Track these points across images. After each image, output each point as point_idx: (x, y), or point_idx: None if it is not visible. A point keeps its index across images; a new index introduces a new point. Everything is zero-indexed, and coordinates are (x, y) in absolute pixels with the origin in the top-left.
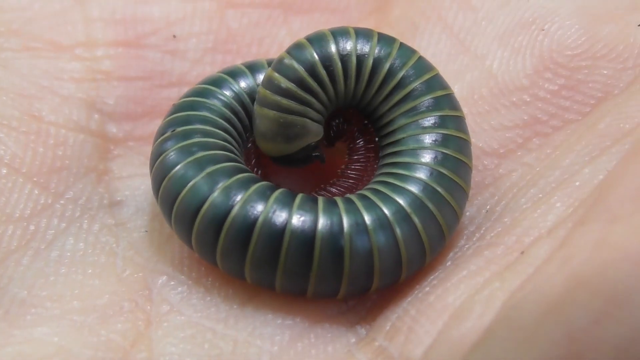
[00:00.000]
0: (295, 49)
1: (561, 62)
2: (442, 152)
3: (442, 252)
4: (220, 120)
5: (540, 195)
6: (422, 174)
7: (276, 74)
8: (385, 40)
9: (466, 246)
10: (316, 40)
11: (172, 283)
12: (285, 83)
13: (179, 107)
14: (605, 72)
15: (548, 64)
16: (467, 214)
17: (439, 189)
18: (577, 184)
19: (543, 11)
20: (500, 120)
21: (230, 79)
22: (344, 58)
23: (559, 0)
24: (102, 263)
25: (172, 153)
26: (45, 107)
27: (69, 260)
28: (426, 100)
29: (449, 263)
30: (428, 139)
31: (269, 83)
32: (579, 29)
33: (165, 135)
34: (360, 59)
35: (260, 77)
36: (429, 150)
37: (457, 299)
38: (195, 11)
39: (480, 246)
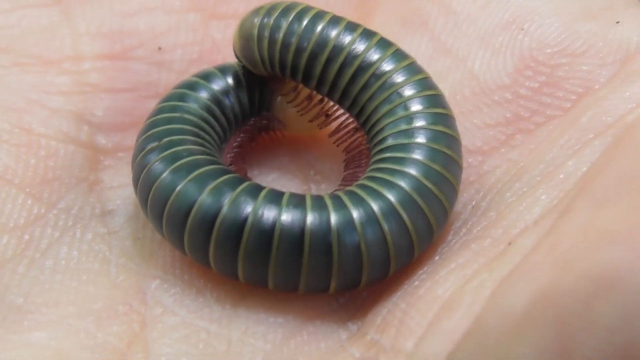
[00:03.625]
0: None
1: (541, 60)
2: (433, 148)
3: (430, 247)
4: (200, 122)
5: (525, 189)
6: (412, 169)
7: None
8: (382, 43)
9: (453, 241)
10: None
11: (165, 286)
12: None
13: (155, 118)
14: (585, 68)
15: (529, 62)
16: (454, 210)
17: (429, 184)
18: (562, 176)
19: (522, 11)
20: (483, 118)
21: (204, 82)
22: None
23: (538, 0)
24: (96, 270)
25: (155, 163)
26: (35, 119)
27: (64, 268)
28: (416, 98)
29: (437, 257)
30: (418, 134)
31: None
32: (559, 27)
33: (146, 149)
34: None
35: (232, 80)
36: (420, 146)
37: (447, 291)
38: (180, 23)
39: (467, 240)
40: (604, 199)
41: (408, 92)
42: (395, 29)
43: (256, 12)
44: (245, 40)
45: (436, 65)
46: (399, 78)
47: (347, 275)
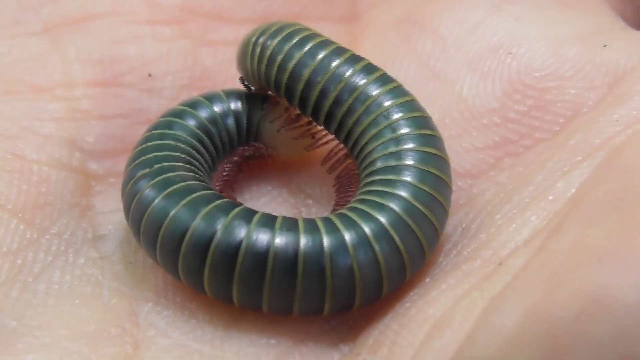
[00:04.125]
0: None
1: (530, 84)
2: (422, 169)
3: (421, 269)
4: (189, 149)
5: (515, 211)
6: (402, 191)
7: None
8: (368, 67)
9: (444, 263)
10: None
11: (158, 308)
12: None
13: (144, 146)
14: (573, 91)
15: (517, 86)
16: (444, 232)
17: (419, 206)
18: (551, 197)
19: (510, 36)
20: (472, 142)
21: (191, 110)
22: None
23: (525, 24)
24: (88, 293)
25: (147, 190)
26: (27, 146)
27: (57, 292)
28: (403, 120)
29: (428, 279)
30: (408, 156)
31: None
32: (546, 51)
33: (136, 177)
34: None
35: (218, 107)
36: (410, 167)
37: (438, 311)
38: (170, 50)
39: (458, 261)
40: (593, 217)
41: (395, 114)
42: (384, 54)
43: (254, 30)
44: (240, 56)
45: (425, 89)
46: (384, 101)
47: (340, 297)
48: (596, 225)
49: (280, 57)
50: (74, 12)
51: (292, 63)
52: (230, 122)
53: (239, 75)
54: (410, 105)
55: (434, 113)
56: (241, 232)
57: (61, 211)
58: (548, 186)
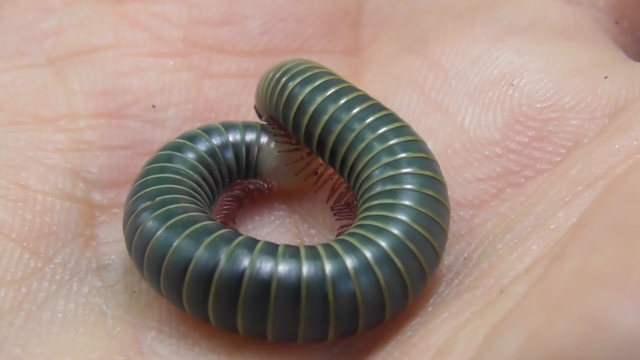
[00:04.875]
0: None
1: (531, 115)
2: (421, 192)
3: (422, 298)
4: (189, 182)
5: (516, 240)
6: (402, 215)
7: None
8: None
9: (446, 292)
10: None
11: (162, 337)
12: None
13: (145, 179)
14: (574, 122)
15: (518, 117)
16: (445, 262)
17: (420, 229)
18: (552, 226)
19: (511, 67)
20: (474, 172)
21: (190, 143)
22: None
23: (527, 56)
24: (92, 322)
25: (149, 222)
26: (31, 176)
27: (61, 321)
28: (398, 144)
29: (430, 308)
30: (406, 180)
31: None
32: (548, 82)
33: (138, 210)
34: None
35: (216, 139)
36: (408, 191)
37: (440, 339)
38: (174, 82)
39: (459, 290)
40: (594, 245)
41: (390, 140)
42: (386, 85)
43: (272, 67)
44: (258, 89)
45: (427, 120)
46: (378, 127)
47: (344, 323)
48: (597, 252)
49: (285, 95)
50: (77, 44)
51: (304, 102)
52: (229, 154)
53: (242, 107)
54: (404, 130)
55: (436, 144)
56: (244, 261)
57: (65, 241)
58: (549, 216)
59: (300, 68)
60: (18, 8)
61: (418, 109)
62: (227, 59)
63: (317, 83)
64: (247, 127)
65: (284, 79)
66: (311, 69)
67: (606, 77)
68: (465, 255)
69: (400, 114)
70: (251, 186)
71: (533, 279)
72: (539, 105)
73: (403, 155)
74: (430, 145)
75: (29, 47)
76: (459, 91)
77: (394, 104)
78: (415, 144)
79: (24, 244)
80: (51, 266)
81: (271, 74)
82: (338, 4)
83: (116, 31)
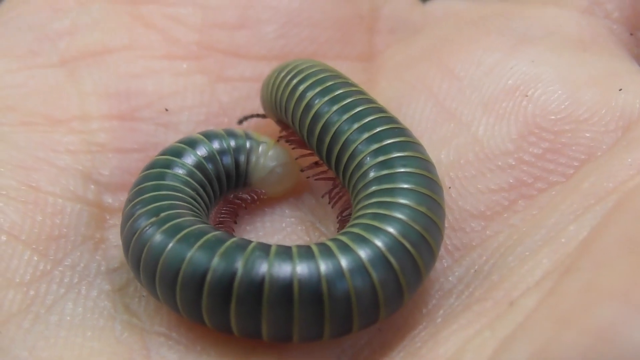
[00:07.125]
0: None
1: (545, 127)
2: (417, 191)
3: (431, 309)
4: (186, 188)
5: (527, 253)
6: (398, 213)
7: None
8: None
9: (456, 303)
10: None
11: (170, 343)
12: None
13: (143, 185)
14: (588, 135)
15: (532, 129)
16: (456, 274)
17: (416, 227)
18: (563, 240)
19: (526, 78)
20: (487, 183)
21: (190, 148)
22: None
23: (541, 67)
24: (100, 326)
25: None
26: (42, 177)
27: (69, 324)
28: (393, 144)
29: (439, 320)
30: (401, 178)
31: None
32: (562, 94)
33: (134, 216)
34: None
35: (217, 145)
36: (404, 190)
37: (449, 350)
38: (187, 85)
39: (469, 302)
40: (604, 260)
41: (385, 139)
42: (400, 93)
43: (277, 67)
44: (262, 89)
45: (440, 129)
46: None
47: (339, 323)
48: (607, 267)
49: (286, 93)
50: (91, 45)
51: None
52: (228, 158)
53: (256, 112)
54: (400, 131)
55: (449, 154)
56: (237, 261)
57: (75, 243)
58: (560, 229)
59: (299, 69)
60: (31, 7)
61: (432, 117)
62: (241, 63)
63: (312, 80)
64: (235, 135)
65: (284, 76)
66: (307, 70)
67: (621, 90)
68: (476, 267)
69: (414, 122)
70: (244, 194)
71: (543, 292)
72: (553, 117)
73: (398, 154)
74: (443, 154)
75: (42, 47)
76: (473, 100)
77: (407, 112)
78: (410, 143)
79: (34, 246)
80: (60, 269)
81: (274, 72)
82: (353, 10)
83: (130, 33)
